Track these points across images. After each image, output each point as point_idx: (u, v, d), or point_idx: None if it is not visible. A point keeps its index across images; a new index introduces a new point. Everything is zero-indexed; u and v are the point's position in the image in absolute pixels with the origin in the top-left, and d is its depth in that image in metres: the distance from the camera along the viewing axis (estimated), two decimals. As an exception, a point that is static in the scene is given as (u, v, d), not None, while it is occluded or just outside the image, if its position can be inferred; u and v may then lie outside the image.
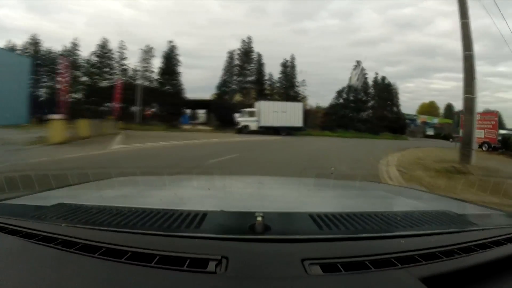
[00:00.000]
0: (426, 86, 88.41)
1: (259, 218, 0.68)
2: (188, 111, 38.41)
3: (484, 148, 17.72)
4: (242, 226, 0.68)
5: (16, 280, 0.52)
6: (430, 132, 50.48)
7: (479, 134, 16.44)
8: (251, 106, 29.35)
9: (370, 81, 40.93)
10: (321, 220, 0.73)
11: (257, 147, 13.50)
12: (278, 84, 38.43)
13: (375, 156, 11.11)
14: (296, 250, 0.61)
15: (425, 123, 52.23)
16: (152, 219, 0.73)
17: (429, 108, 58.73)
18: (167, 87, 33.31)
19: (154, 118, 30.84)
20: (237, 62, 36.85)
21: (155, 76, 33.74)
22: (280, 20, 69.69)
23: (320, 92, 72.86)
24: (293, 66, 38.63)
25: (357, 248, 0.63)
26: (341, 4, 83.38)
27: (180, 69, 34.19)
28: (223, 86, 36.27)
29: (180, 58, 34.42)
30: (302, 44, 69.11)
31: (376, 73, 43.32)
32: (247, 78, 36.77)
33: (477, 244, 0.68)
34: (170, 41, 33.97)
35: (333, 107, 39.58)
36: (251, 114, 27.56)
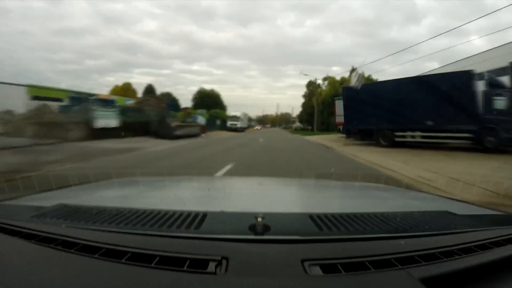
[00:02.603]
0: (126, 80, 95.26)
1: (259, 219, 0.68)
2: None
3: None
4: (242, 226, 0.68)
5: (16, 281, 0.52)
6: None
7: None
8: None
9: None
10: (321, 221, 0.73)
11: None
12: None
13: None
14: (296, 251, 0.61)
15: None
16: (152, 219, 0.73)
17: (124, 91, 47.05)
18: None
19: None
20: None
21: None
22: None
23: None
24: None
25: (357, 248, 0.63)
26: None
27: None
28: None
29: None
30: None
31: None
32: None
33: (477, 244, 0.68)
34: None
35: None
36: None
